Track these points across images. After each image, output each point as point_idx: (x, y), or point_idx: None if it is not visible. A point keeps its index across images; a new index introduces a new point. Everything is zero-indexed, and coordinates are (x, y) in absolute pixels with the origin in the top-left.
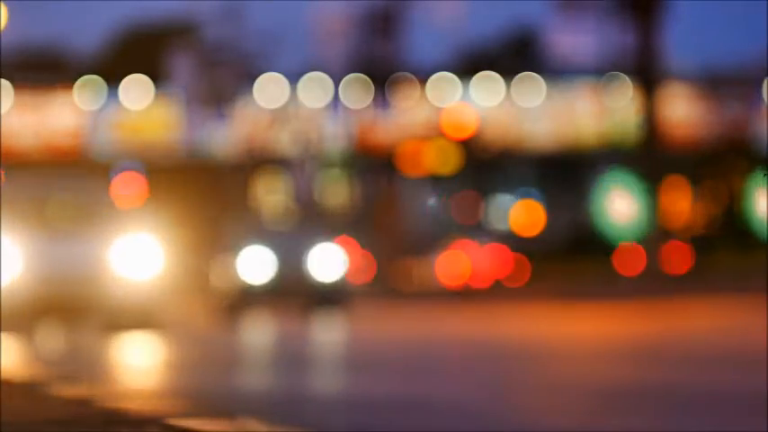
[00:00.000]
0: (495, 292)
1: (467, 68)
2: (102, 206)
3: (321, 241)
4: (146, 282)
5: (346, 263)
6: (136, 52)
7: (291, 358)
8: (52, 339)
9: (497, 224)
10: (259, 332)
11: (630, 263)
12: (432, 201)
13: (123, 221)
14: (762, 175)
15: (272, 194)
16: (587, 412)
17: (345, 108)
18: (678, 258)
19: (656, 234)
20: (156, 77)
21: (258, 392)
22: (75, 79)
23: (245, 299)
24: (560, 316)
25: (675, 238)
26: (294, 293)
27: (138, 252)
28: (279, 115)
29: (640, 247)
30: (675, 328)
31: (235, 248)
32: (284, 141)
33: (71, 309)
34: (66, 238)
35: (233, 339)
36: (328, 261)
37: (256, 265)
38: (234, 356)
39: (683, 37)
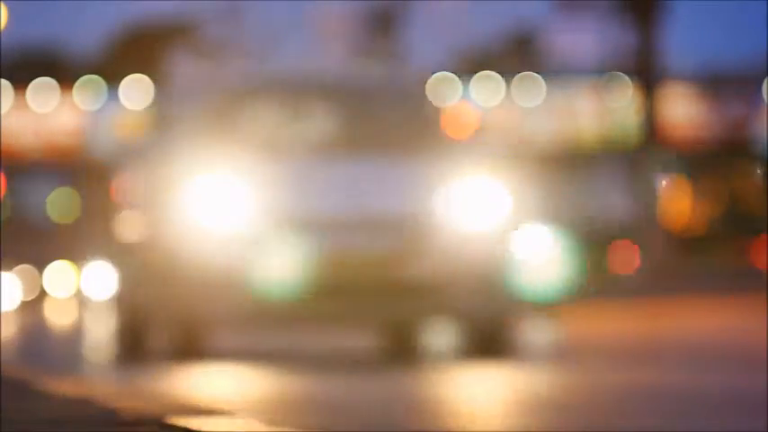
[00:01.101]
0: None
1: (467, 68)
2: (419, 130)
3: None
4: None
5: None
6: (136, 52)
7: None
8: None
9: None
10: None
11: (626, 261)
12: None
13: (454, 156)
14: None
15: None
16: (585, 411)
17: None
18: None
19: (654, 233)
20: (156, 77)
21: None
22: (75, 79)
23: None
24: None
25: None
26: None
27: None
28: None
29: (636, 246)
30: (673, 328)
31: None
32: None
33: (371, 290)
34: (354, 170)
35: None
36: None
37: None
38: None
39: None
